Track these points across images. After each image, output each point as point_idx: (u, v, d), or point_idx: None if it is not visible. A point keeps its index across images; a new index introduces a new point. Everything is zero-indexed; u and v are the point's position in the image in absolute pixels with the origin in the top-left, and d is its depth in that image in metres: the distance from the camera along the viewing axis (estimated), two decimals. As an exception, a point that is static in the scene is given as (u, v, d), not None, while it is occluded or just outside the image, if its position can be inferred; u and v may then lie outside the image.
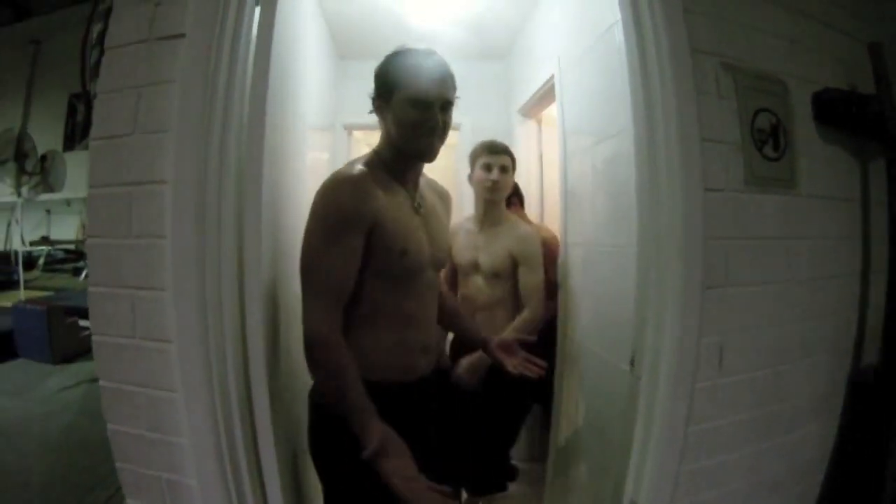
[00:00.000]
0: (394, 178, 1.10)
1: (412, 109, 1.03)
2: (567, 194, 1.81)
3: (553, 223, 2.21)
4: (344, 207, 0.98)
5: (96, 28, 1.28)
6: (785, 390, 1.21)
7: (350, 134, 2.91)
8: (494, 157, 1.77)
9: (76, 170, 4.24)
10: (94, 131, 0.98)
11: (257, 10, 1.01)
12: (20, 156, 4.31)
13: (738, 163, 1.09)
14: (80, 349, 3.88)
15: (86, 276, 4.70)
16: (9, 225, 5.95)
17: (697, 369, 1.01)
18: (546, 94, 2.12)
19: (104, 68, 0.99)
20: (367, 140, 3.16)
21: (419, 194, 1.16)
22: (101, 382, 0.98)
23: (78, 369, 3.68)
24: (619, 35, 1.16)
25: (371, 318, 1.06)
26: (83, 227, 6.33)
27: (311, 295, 0.98)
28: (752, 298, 1.12)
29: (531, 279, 1.71)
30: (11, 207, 5.38)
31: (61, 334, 3.78)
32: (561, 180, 1.84)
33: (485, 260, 1.75)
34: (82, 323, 4.00)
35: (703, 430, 1.05)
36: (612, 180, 1.42)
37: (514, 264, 1.73)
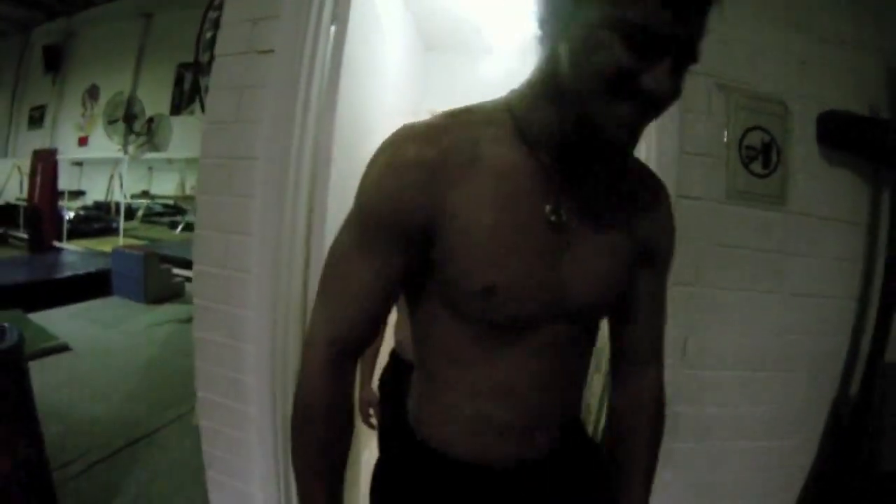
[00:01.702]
0: (528, 155, 0.64)
1: (615, 48, 0.52)
2: None
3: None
4: (382, 192, 0.62)
5: (209, 33, 1.72)
6: (757, 397, 1.43)
7: None
8: None
9: (180, 133, 5.04)
10: (206, 117, 1.45)
11: (332, 28, 1.41)
12: (129, 117, 5.18)
13: (720, 176, 1.34)
14: (170, 293, 4.71)
15: (182, 229, 5.57)
16: (111, 178, 7.08)
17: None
18: None
19: (214, 71, 1.44)
20: None
21: (579, 193, 0.66)
22: (195, 301, 1.44)
23: (166, 311, 4.50)
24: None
25: (431, 368, 0.72)
26: (182, 184, 7.38)
27: (317, 307, 0.69)
28: (721, 301, 1.36)
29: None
30: (115, 162, 6.42)
31: (155, 278, 4.60)
32: None
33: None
34: (175, 270, 4.83)
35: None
36: None
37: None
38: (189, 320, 4.30)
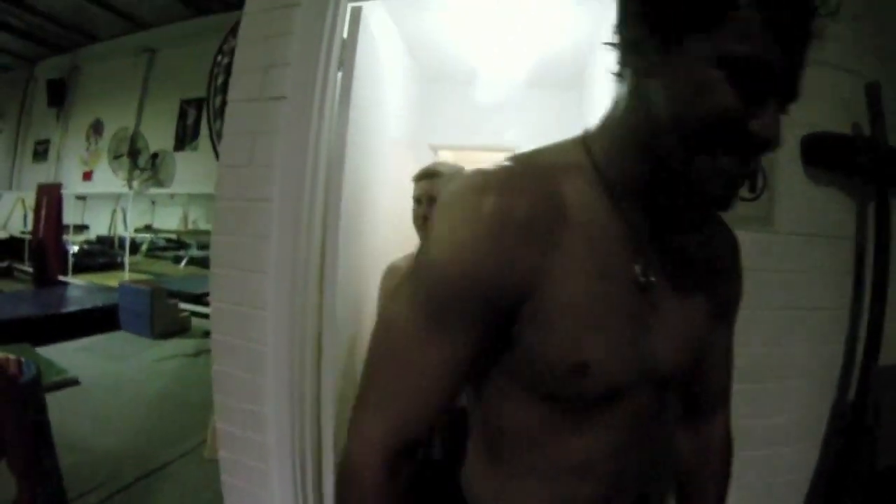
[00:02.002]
0: (614, 208, 0.58)
1: (722, 88, 0.47)
2: None
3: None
4: (461, 257, 0.52)
5: (220, 78, 1.84)
6: (759, 408, 1.49)
7: (436, 153, 3.33)
8: None
9: (183, 168, 5.19)
10: (221, 161, 1.55)
11: (339, 73, 1.52)
12: (133, 152, 5.33)
13: (709, 201, 1.42)
14: (176, 327, 4.80)
15: (186, 264, 5.68)
16: (113, 212, 7.21)
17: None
18: None
19: (228, 117, 1.55)
20: (452, 158, 3.62)
21: (667, 250, 0.62)
22: (213, 336, 1.53)
23: (174, 345, 4.58)
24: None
25: (498, 449, 0.65)
26: (185, 218, 7.52)
27: (369, 397, 0.58)
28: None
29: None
30: (117, 197, 6.57)
31: (162, 313, 4.69)
32: None
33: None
34: (181, 305, 4.94)
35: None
36: None
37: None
38: (197, 354, 4.42)
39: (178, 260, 7.59)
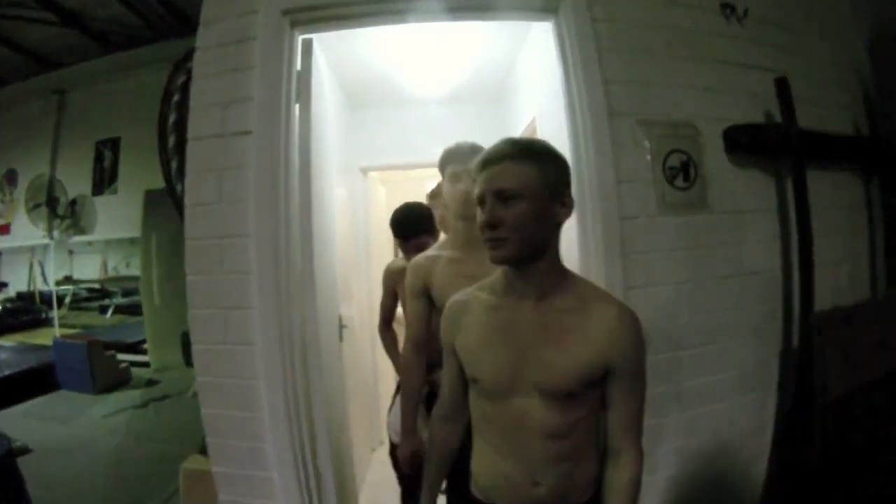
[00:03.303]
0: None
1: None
2: None
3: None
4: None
5: (172, 116, 1.80)
6: (717, 366, 1.66)
7: (366, 175, 3.45)
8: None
9: (103, 213, 4.87)
10: (187, 199, 1.52)
11: (296, 106, 1.54)
12: (51, 201, 4.94)
13: (651, 195, 1.58)
14: (118, 380, 4.48)
15: (112, 313, 5.30)
16: (30, 267, 6.64)
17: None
18: (531, 133, 2.63)
19: (191, 155, 1.53)
20: (381, 178, 3.75)
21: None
22: (198, 378, 1.49)
23: (119, 398, 4.28)
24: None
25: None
26: (104, 266, 7.01)
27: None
28: (670, 295, 1.59)
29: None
30: (32, 249, 6.05)
31: (101, 366, 4.38)
32: None
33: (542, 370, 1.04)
34: (119, 356, 4.63)
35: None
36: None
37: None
38: (145, 405, 4.17)
39: (104, 310, 7.09)
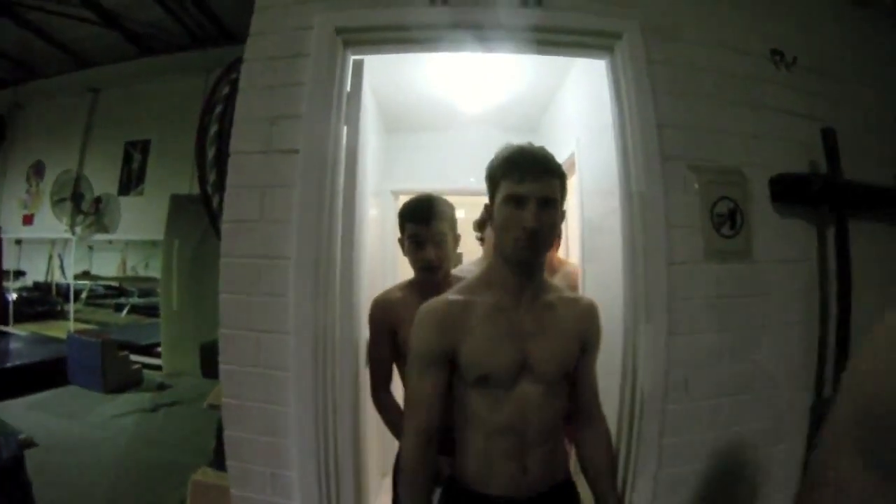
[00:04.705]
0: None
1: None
2: (585, 252, 2.22)
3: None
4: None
5: (213, 128, 1.72)
6: (747, 415, 1.56)
7: (397, 198, 3.34)
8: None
9: (127, 213, 4.80)
10: (226, 215, 1.43)
11: (344, 128, 1.46)
12: (76, 196, 4.88)
13: (699, 241, 1.50)
14: (129, 381, 4.36)
15: (127, 312, 5.20)
16: (50, 258, 6.57)
17: (667, 394, 1.39)
18: (569, 166, 2.56)
19: (232, 170, 1.44)
20: None
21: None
22: (225, 399, 1.39)
23: (129, 399, 4.16)
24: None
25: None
26: (123, 264, 6.92)
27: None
28: (712, 342, 1.50)
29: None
30: (53, 242, 5.98)
31: (114, 366, 4.26)
32: (580, 239, 2.27)
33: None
34: (133, 358, 4.52)
35: (675, 442, 1.42)
36: (613, 245, 1.82)
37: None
38: (154, 409, 4.04)
39: (119, 308, 6.97)
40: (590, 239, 2.21)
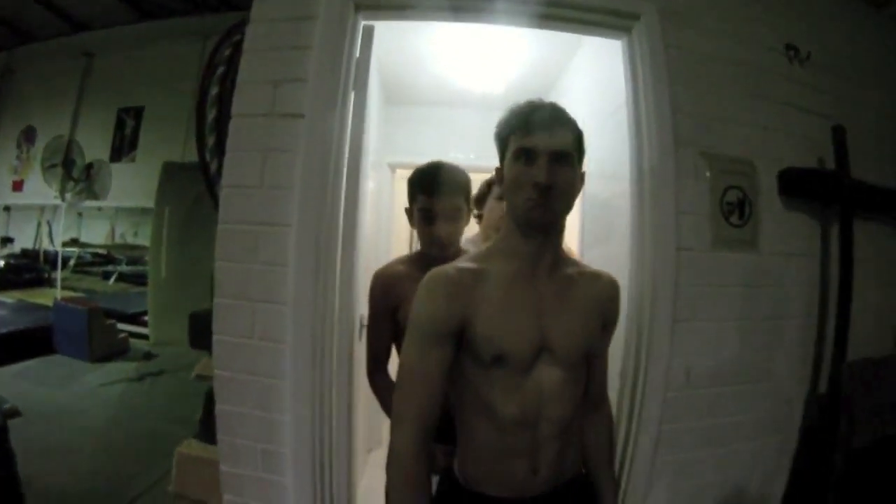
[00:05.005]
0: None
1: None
2: (584, 236, 2.17)
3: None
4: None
5: (214, 89, 1.64)
6: (746, 405, 1.55)
7: (394, 171, 3.29)
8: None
9: (118, 180, 4.67)
10: (225, 180, 1.36)
11: (352, 93, 1.40)
12: (68, 162, 4.74)
13: (707, 229, 1.47)
14: (115, 350, 4.27)
15: (115, 280, 5.07)
16: (38, 225, 6.39)
17: (668, 382, 1.36)
18: None
19: (233, 133, 1.37)
20: (407, 177, 3.55)
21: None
22: (216, 371, 1.33)
23: (114, 368, 4.07)
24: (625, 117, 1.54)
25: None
26: (112, 232, 6.76)
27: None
28: (714, 331, 1.48)
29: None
30: (42, 208, 5.82)
31: (100, 334, 4.16)
32: (580, 223, 2.22)
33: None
34: (119, 326, 4.42)
35: (674, 428, 1.40)
36: (622, 226, 1.78)
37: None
38: (140, 378, 3.96)
39: (107, 276, 6.81)
40: (592, 223, 2.17)
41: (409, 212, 1.37)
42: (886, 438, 1.59)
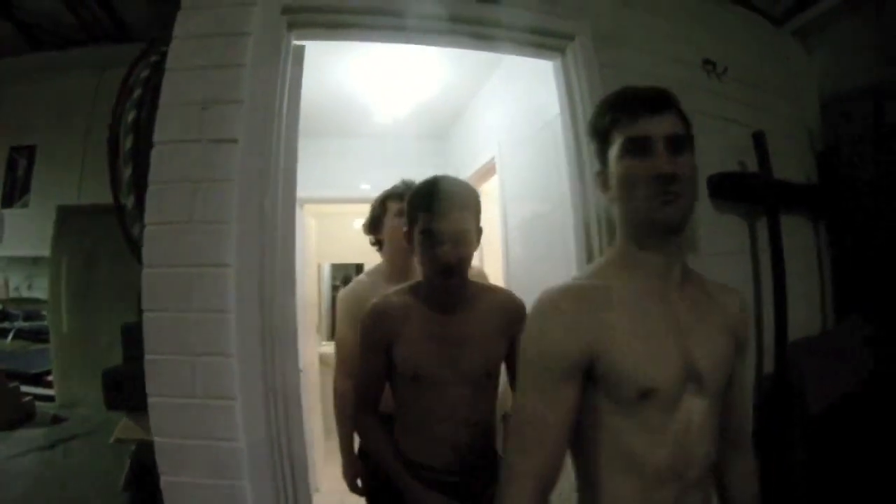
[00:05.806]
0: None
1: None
2: (509, 258, 2.13)
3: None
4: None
5: (130, 114, 1.42)
6: None
7: (302, 207, 2.96)
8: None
9: (13, 228, 4.07)
10: (148, 217, 1.15)
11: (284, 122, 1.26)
12: (-49, 209, 4.07)
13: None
14: (21, 415, 3.64)
15: (13, 338, 4.40)
16: (-86, 281, 5.44)
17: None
18: (487, 171, 2.48)
19: (156, 160, 1.17)
20: (314, 211, 3.28)
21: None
22: (156, 439, 1.10)
23: (23, 436, 3.44)
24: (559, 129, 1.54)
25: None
26: (6, 285, 5.89)
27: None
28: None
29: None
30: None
31: (4, 399, 3.53)
32: (503, 245, 2.18)
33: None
34: (23, 388, 3.79)
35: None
36: (549, 247, 1.75)
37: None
38: (52, 446, 3.40)
39: (3, 333, 5.94)
40: (514, 245, 2.14)
41: (407, 235, 1.19)
42: (843, 396, 1.66)
